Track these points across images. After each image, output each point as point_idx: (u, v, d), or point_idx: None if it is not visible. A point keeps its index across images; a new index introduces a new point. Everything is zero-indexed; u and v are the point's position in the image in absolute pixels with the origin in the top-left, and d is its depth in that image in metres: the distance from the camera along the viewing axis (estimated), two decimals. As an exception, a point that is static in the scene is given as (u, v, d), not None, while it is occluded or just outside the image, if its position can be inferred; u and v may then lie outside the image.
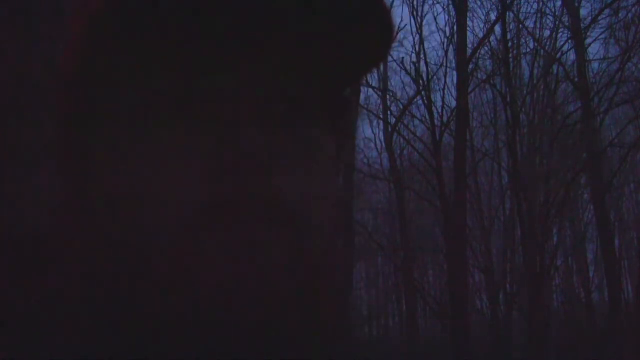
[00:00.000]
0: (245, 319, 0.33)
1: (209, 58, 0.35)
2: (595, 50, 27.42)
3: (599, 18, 11.42)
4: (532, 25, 12.22)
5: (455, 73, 11.09)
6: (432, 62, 11.80)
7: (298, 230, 0.35)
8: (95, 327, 0.34)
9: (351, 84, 0.42)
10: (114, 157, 0.34)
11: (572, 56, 11.75)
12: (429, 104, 11.43)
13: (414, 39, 16.96)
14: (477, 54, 11.27)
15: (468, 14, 10.70)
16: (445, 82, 12.19)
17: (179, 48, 0.34)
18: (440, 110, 11.89)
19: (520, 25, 12.00)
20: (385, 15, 0.37)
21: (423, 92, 11.61)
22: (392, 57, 12.74)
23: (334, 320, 0.36)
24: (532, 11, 13.52)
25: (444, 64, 11.98)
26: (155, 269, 0.33)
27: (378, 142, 15.33)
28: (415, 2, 12.22)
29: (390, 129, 13.03)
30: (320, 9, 0.35)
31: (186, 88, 0.34)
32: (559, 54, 11.66)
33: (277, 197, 0.34)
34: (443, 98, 12.49)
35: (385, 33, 0.38)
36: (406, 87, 13.26)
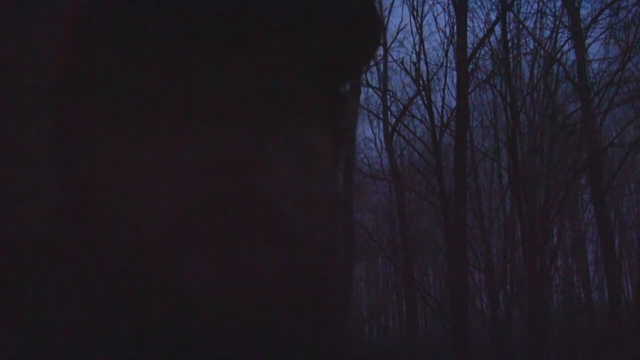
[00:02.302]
0: (238, 322, 0.32)
1: (198, 56, 0.34)
2: (595, 50, 27.45)
3: (599, 18, 11.42)
4: (532, 25, 12.23)
5: (455, 73, 11.10)
6: (432, 62, 11.82)
7: (290, 233, 0.34)
8: (94, 327, 0.34)
9: (344, 81, 0.42)
10: (102, 158, 0.34)
11: (572, 56, 11.76)
12: (429, 104, 11.44)
13: (414, 39, 16.95)
14: (477, 54, 11.28)
15: (468, 14, 10.70)
16: (445, 82, 12.21)
17: (167, 46, 0.34)
18: (440, 110, 11.90)
19: (520, 25, 12.00)
20: (372, 11, 0.36)
21: (423, 92, 11.61)
22: (392, 57, 12.75)
23: (332, 322, 0.36)
24: (532, 11, 13.52)
25: (444, 64, 11.99)
26: (145, 271, 0.33)
27: (378, 142, 15.34)
28: (415, 2, 12.21)
29: (390, 129, 13.03)
30: (311, 6, 0.35)
31: (174, 87, 0.34)
32: (559, 54, 11.66)
33: (264, 199, 0.33)
34: (443, 98, 12.50)
35: (374, 28, 0.37)
36: (406, 87, 13.28)
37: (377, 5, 0.37)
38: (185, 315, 0.32)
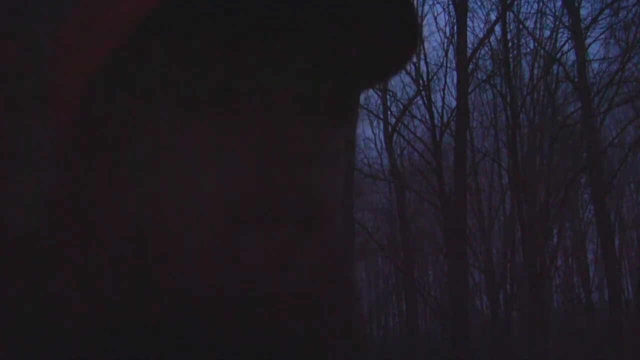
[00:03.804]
0: (273, 318, 0.33)
1: (252, 57, 0.34)
2: (595, 50, 27.46)
3: (599, 18, 11.42)
4: (532, 25, 12.21)
5: (455, 73, 11.09)
6: (432, 62, 11.80)
7: (332, 231, 0.35)
8: (95, 327, 0.34)
9: (369, 88, 0.42)
10: (130, 157, 0.34)
11: (572, 56, 11.75)
12: (429, 104, 11.42)
13: (414, 39, 16.85)
14: (477, 54, 11.28)
15: (468, 14, 10.70)
16: (445, 82, 12.19)
17: (219, 45, 0.34)
18: (440, 110, 11.89)
19: (520, 25, 11.99)
20: (413, 18, 0.37)
21: (423, 92, 11.60)
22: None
23: (350, 318, 0.36)
24: (532, 11, 13.52)
25: (444, 64, 11.98)
26: (167, 268, 0.33)
27: (378, 142, 15.34)
28: (415, 2, 12.21)
29: (390, 129, 13.03)
30: (354, 12, 0.35)
31: (226, 86, 0.34)
32: (559, 54, 11.65)
33: (316, 196, 0.34)
34: (443, 98, 12.47)
35: (412, 37, 0.37)
36: (406, 87, 13.25)
37: (416, 11, 0.37)
38: (187, 315, 0.32)
